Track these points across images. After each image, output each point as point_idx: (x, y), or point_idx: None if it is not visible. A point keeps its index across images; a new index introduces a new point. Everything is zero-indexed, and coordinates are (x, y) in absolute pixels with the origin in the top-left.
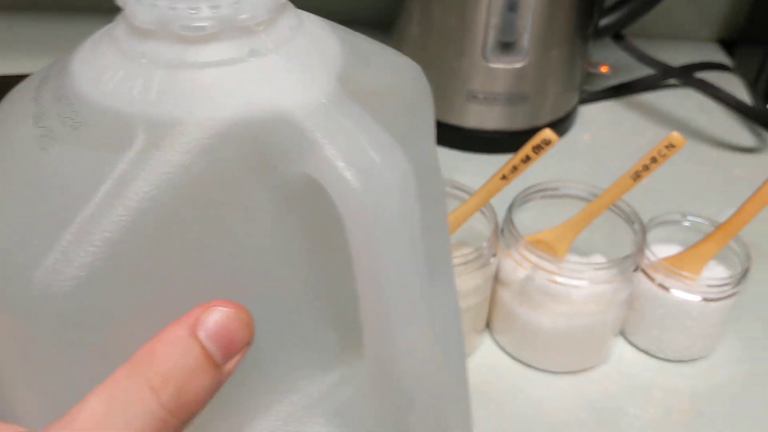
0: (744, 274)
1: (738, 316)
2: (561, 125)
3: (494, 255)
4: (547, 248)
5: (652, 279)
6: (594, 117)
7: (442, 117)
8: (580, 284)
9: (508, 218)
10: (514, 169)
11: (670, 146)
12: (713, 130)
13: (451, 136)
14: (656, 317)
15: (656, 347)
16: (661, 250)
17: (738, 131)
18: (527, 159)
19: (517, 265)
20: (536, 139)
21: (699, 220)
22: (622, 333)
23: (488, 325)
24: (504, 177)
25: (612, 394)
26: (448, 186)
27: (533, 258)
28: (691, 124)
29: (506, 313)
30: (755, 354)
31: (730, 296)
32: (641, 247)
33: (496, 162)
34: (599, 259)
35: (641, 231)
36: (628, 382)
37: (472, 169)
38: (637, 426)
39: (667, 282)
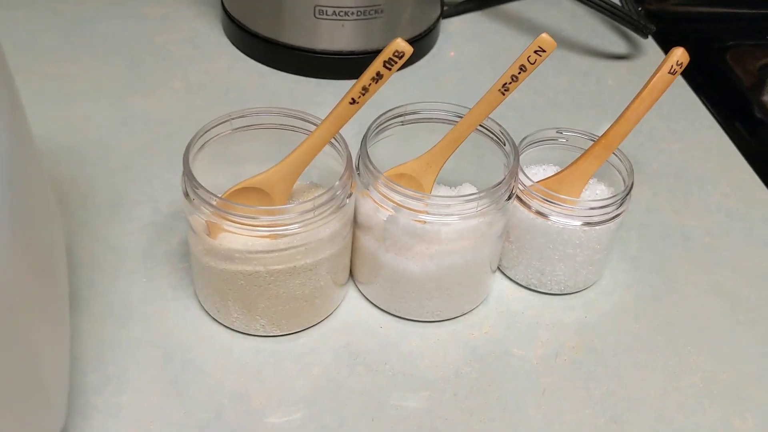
0: (628, 191)
1: (623, 237)
2: (422, 42)
3: (349, 195)
4: (411, 183)
5: (528, 206)
6: (458, 31)
7: (289, 39)
8: (449, 221)
9: (363, 151)
10: (365, 90)
11: (540, 50)
12: (584, 37)
13: (301, 60)
14: (536, 248)
15: (538, 281)
16: (536, 173)
17: (610, 38)
18: (379, 77)
19: (377, 206)
20: (387, 52)
21: (575, 135)
22: (501, 269)
23: (352, 276)
24: (353, 101)
25: (495, 338)
26: (291, 117)
27: (396, 197)
28: (561, 33)
29: (370, 261)
30: (643, 276)
31: (614, 218)
32: (514, 171)
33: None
34: (469, 189)
35: (513, 153)
36: (510, 322)
37: (328, 98)
38: (525, 370)
39: (544, 208)
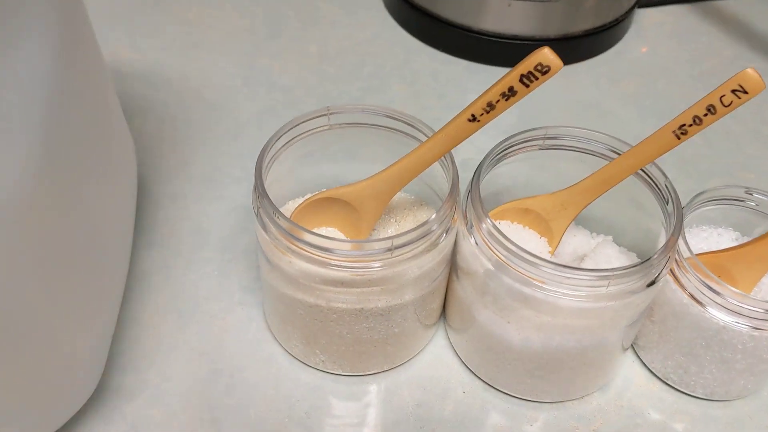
0: None
1: None
2: (606, 34)
3: (446, 231)
4: (538, 223)
5: (681, 284)
6: (655, 25)
7: (445, 12)
8: (570, 292)
9: (476, 182)
10: (490, 107)
11: (741, 91)
12: None
13: (455, 39)
14: (683, 340)
15: (679, 377)
16: (705, 238)
17: None
18: (512, 93)
19: (478, 253)
20: (528, 63)
21: None
22: (635, 347)
23: (444, 316)
24: (473, 118)
25: None
26: (397, 121)
27: (500, 250)
28: None
29: (465, 312)
30: None
31: None
32: (672, 245)
33: None
34: (608, 248)
35: (676, 217)
36: (630, 424)
37: (476, 85)
38: None
39: (702, 294)
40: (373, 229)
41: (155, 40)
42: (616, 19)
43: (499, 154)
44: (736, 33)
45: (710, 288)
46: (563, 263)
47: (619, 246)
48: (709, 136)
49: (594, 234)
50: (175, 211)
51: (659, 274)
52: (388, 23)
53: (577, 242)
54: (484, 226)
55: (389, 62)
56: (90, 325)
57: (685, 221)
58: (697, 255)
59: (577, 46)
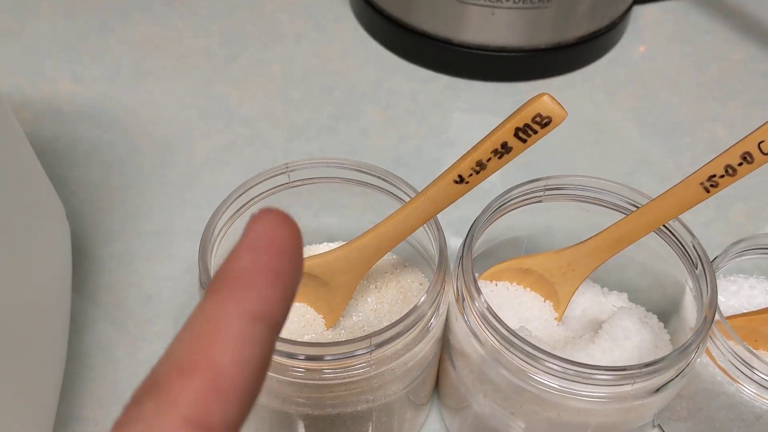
0: None
1: None
2: (602, 39)
3: (438, 309)
4: (541, 286)
5: (712, 357)
6: (653, 26)
7: (422, 24)
8: (591, 393)
9: (467, 251)
10: (480, 166)
11: None
12: None
13: (435, 52)
14: (717, 420)
15: None
16: (730, 296)
17: None
18: (506, 150)
19: (472, 337)
20: (524, 115)
21: None
22: (660, 423)
23: (437, 391)
24: (461, 179)
25: None
26: (371, 176)
27: (492, 336)
28: None
29: (461, 397)
30: None
31: None
32: (711, 317)
33: (503, 94)
34: (626, 320)
35: (709, 283)
36: None
37: (461, 104)
38: None
39: (736, 368)
40: (351, 298)
41: (99, 68)
42: (613, 23)
43: (493, 212)
44: (743, 30)
45: (745, 362)
46: (573, 336)
47: (635, 305)
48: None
49: (605, 289)
50: (120, 275)
51: (693, 358)
52: (360, 36)
53: (586, 302)
54: (477, 305)
55: (362, 82)
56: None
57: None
58: (728, 318)
59: (569, 55)
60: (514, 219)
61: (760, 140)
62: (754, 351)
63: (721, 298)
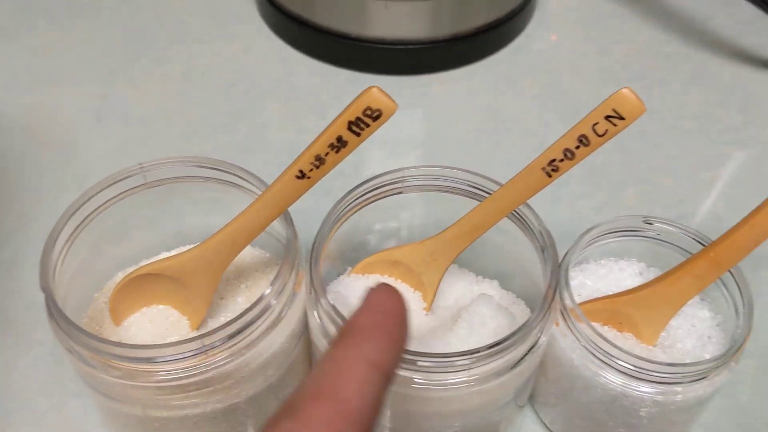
0: (739, 345)
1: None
2: (505, 29)
3: (291, 301)
4: (409, 276)
5: (576, 335)
6: (559, 13)
7: (319, 18)
8: (431, 383)
9: (317, 247)
10: (319, 161)
11: (616, 117)
12: (736, 33)
13: (333, 47)
14: (581, 404)
15: None
16: (599, 279)
17: None
18: (341, 143)
19: (320, 328)
20: (354, 109)
21: (675, 229)
22: (533, 403)
23: None
24: (302, 175)
25: None
26: (228, 173)
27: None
28: (704, 25)
29: None
30: None
31: (711, 381)
32: (551, 297)
33: (405, 87)
34: (483, 307)
35: (551, 266)
36: None
37: None
38: None
39: (592, 355)
40: (221, 298)
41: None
42: (513, 11)
43: (347, 207)
44: (649, 14)
45: (600, 348)
46: (440, 325)
47: (506, 291)
48: (623, 139)
49: (480, 278)
50: (6, 282)
51: (538, 341)
52: (264, 33)
53: (458, 292)
54: (323, 302)
55: (264, 79)
56: None
57: (579, 258)
58: (593, 300)
59: (471, 46)
60: (382, 210)
61: (594, 122)
62: (603, 335)
63: (588, 282)
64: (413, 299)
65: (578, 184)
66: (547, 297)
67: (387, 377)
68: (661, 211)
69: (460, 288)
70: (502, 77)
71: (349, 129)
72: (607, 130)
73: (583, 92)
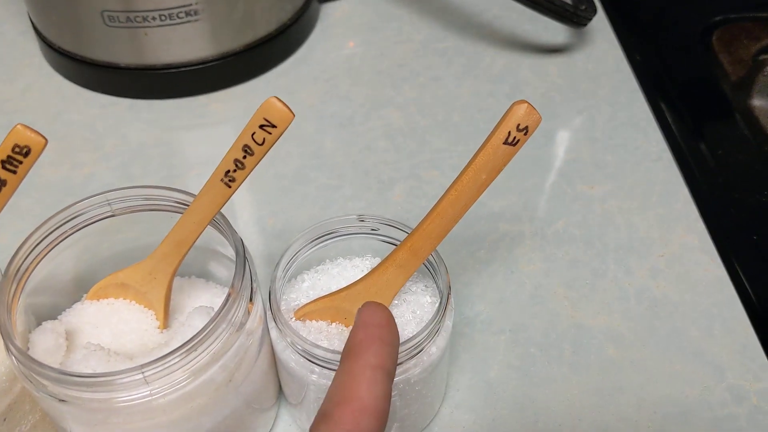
0: (436, 321)
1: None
2: (279, 41)
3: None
4: (139, 297)
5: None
6: (344, 19)
7: (88, 52)
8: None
9: (11, 275)
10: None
11: (269, 125)
12: (510, 24)
13: (115, 79)
14: (308, 399)
15: None
16: (331, 278)
17: (545, 22)
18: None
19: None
20: (4, 147)
21: (386, 225)
22: (287, 404)
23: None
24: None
25: None
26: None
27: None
28: (480, 17)
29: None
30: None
31: (426, 354)
32: (232, 295)
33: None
34: (196, 320)
35: (237, 270)
36: None
37: (144, 124)
38: None
39: (298, 353)
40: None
41: None
42: (284, 25)
43: (45, 238)
44: (430, 13)
45: (301, 347)
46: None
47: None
48: (394, 137)
49: (226, 288)
50: None
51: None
52: (45, 71)
53: (193, 304)
54: (12, 348)
55: (41, 117)
56: None
57: (302, 262)
58: (315, 300)
59: (246, 62)
60: (105, 234)
61: (252, 132)
62: (299, 333)
63: (321, 282)
64: (146, 319)
65: (349, 186)
66: (231, 295)
67: (388, 374)
68: (426, 203)
69: (204, 301)
70: (282, 89)
71: (4, 168)
72: (264, 139)
73: (358, 97)
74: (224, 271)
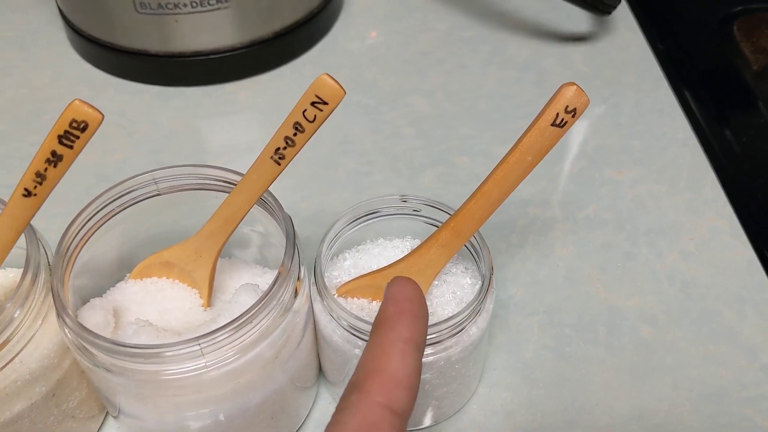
0: (474, 312)
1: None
2: (305, 30)
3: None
4: (183, 276)
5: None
6: (368, 9)
7: (117, 39)
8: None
9: (63, 251)
10: (41, 178)
11: (320, 102)
12: (533, 12)
13: (143, 66)
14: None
15: None
16: (371, 258)
17: (569, 12)
18: (57, 158)
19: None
20: (62, 122)
21: (428, 206)
22: (325, 385)
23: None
24: (28, 193)
25: None
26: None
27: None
28: (502, 5)
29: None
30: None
31: (467, 334)
32: (283, 273)
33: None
34: (244, 296)
35: (292, 245)
36: None
37: (174, 112)
38: None
39: (342, 328)
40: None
41: None
42: (311, 13)
43: (94, 215)
44: (453, 3)
45: (348, 322)
46: (216, 317)
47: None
48: (420, 124)
49: (266, 269)
50: None
51: (279, 312)
52: (72, 58)
53: (237, 284)
54: (68, 320)
55: None
56: None
57: (344, 241)
58: (357, 278)
59: (273, 50)
60: (149, 213)
61: (303, 109)
62: (346, 308)
63: (362, 261)
64: (191, 297)
65: (380, 172)
66: (281, 274)
67: (419, 348)
68: (458, 189)
69: (246, 279)
70: (309, 77)
71: (61, 143)
72: (315, 116)
73: (387, 83)
74: (254, 250)
